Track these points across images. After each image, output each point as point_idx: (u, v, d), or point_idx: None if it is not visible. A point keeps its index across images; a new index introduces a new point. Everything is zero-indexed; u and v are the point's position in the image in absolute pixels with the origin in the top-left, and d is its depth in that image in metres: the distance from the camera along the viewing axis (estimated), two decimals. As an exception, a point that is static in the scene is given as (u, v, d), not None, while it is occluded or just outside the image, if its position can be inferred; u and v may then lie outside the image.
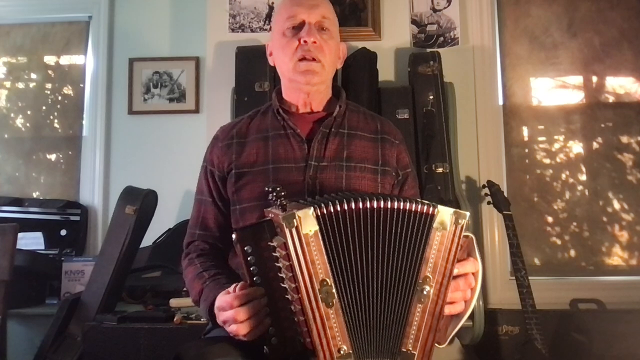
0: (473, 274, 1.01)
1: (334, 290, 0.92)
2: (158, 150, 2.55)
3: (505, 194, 2.10)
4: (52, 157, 2.70)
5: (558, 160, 2.47)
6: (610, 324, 1.97)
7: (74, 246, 2.46)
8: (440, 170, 2.06)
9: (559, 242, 2.42)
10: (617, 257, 2.39)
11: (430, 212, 0.96)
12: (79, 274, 2.19)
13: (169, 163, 2.52)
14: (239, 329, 0.96)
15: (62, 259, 2.27)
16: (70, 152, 2.68)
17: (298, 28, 1.24)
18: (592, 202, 2.42)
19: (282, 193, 0.98)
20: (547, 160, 2.47)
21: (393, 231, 0.96)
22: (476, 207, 2.26)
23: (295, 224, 0.91)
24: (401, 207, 0.96)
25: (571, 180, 2.46)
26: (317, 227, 0.92)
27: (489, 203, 2.10)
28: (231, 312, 0.97)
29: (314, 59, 1.23)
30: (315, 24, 1.24)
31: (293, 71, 1.24)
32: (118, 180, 2.50)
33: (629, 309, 2.06)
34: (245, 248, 0.93)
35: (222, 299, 1.02)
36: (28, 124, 2.72)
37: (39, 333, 1.95)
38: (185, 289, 2.00)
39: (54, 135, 2.71)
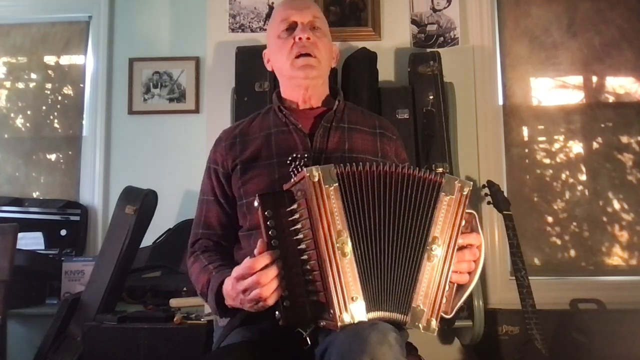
0: (477, 247, 1.07)
1: (349, 242, 0.97)
2: (158, 150, 2.54)
3: (505, 194, 2.10)
4: (52, 157, 2.70)
5: (558, 160, 2.47)
6: (610, 324, 1.97)
7: (74, 246, 2.45)
8: (440, 170, 2.06)
9: (559, 242, 2.42)
10: (617, 257, 2.39)
11: (438, 180, 1.05)
12: (79, 274, 2.19)
13: (169, 163, 2.52)
14: (263, 291, 0.98)
15: (62, 259, 2.27)
16: (70, 152, 2.68)
17: (291, 29, 1.31)
18: (592, 202, 2.42)
19: (306, 155, 1.09)
20: (547, 160, 2.47)
21: (405, 193, 1.04)
22: (476, 207, 2.25)
23: (318, 178, 0.98)
24: (412, 174, 1.05)
25: (571, 180, 2.45)
26: (336, 183, 1.00)
27: (489, 203, 2.10)
28: (253, 277, 0.98)
29: (309, 55, 1.29)
30: (307, 23, 1.31)
31: (291, 67, 1.30)
32: (118, 180, 2.49)
33: (629, 309, 2.05)
34: (266, 212, 1.00)
35: (241, 266, 1.03)
36: (28, 124, 2.72)
37: (39, 333, 1.95)
38: (185, 289, 2.02)
39: (54, 135, 2.71)
